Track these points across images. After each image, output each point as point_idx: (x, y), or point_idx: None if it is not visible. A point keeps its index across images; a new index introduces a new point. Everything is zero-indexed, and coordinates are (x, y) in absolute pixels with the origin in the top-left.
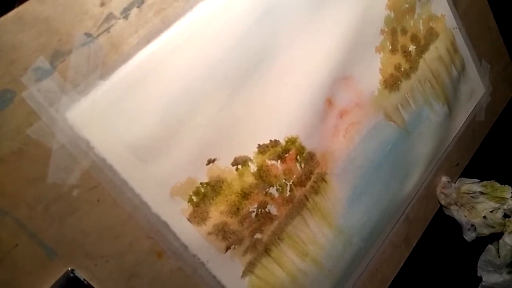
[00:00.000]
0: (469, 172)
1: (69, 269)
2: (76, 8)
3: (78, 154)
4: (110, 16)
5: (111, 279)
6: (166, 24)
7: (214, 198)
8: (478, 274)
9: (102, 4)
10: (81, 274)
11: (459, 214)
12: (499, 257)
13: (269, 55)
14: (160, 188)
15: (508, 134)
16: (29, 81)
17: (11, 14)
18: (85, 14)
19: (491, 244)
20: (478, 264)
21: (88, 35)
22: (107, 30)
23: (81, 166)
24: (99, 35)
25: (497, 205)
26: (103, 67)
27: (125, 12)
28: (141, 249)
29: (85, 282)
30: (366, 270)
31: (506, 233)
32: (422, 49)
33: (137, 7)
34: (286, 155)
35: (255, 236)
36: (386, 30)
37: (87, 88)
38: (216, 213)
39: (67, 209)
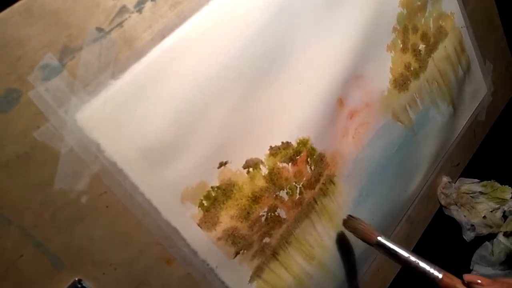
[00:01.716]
0: (469, 172)
1: (76, 279)
2: (88, 0)
3: (87, 158)
4: (123, 10)
5: (120, 287)
6: (181, 18)
7: (225, 202)
8: (471, 268)
9: None
10: (88, 284)
11: (459, 214)
12: (493, 254)
13: (282, 54)
14: (171, 193)
15: (508, 134)
16: (37, 80)
17: (17, 5)
18: (97, 7)
19: (489, 242)
20: (473, 258)
21: (99, 30)
22: (120, 24)
23: (90, 170)
24: (111, 30)
25: (497, 206)
26: (115, 65)
27: (139, 6)
28: (150, 256)
29: None
30: (369, 270)
31: (501, 232)
32: (431, 48)
33: (152, 0)
34: (298, 157)
35: (264, 240)
36: (398, 28)
37: (98, 88)
38: (227, 218)
39: (75, 217)
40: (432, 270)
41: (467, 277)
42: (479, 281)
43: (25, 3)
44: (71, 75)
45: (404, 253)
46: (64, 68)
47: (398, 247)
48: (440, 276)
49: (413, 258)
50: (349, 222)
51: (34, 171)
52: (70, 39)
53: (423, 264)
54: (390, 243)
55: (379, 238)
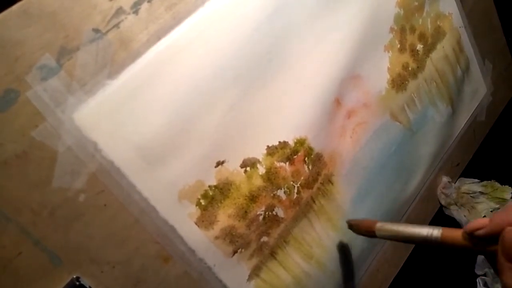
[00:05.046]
0: (469, 172)
1: (74, 276)
2: (84, 1)
3: (85, 157)
4: (119, 11)
5: (117, 285)
6: (177, 20)
7: (222, 201)
8: (476, 271)
9: None
10: (86, 281)
11: (459, 214)
12: None
13: (279, 54)
14: (168, 192)
15: (508, 134)
16: (34, 80)
17: (15, 7)
18: (94, 8)
19: None
20: (477, 262)
21: (96, 31)
22: (117, 25)
23: (88, 169)
24: (108, 31)
25: (497, 206)
26: (112, 66)
27: (135, 7)
28: (148, 254)
29: None
30: (368, 270)
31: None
32: (429, 48)
33: (148, 1)
34: (295, 156)
35: (262, 240)
36: (395, 28)
37: (95, 88)
38: (224, 217)
39: (73, 215)
40: (430, 232)
41: (467, 228)
42: (479, 225)
43: (23, 5)
44: (68, 75)
45: (400, 227)
46: (61, 69)
47: (395, 224)
48: (439, 232)
49: (409, 228)
50: (350, 225)
51: (32, 170)
52: (67, 40)
53: (419, 230)
54: (387, 223)
55: (377, 225)
